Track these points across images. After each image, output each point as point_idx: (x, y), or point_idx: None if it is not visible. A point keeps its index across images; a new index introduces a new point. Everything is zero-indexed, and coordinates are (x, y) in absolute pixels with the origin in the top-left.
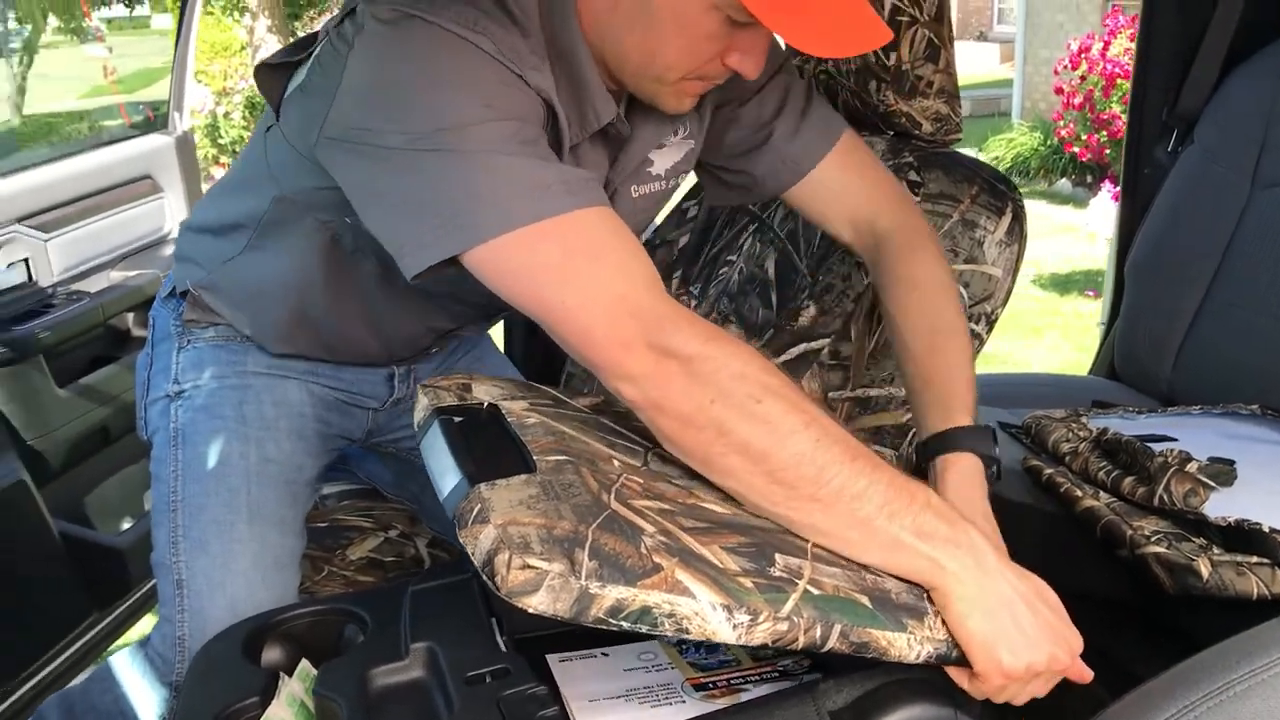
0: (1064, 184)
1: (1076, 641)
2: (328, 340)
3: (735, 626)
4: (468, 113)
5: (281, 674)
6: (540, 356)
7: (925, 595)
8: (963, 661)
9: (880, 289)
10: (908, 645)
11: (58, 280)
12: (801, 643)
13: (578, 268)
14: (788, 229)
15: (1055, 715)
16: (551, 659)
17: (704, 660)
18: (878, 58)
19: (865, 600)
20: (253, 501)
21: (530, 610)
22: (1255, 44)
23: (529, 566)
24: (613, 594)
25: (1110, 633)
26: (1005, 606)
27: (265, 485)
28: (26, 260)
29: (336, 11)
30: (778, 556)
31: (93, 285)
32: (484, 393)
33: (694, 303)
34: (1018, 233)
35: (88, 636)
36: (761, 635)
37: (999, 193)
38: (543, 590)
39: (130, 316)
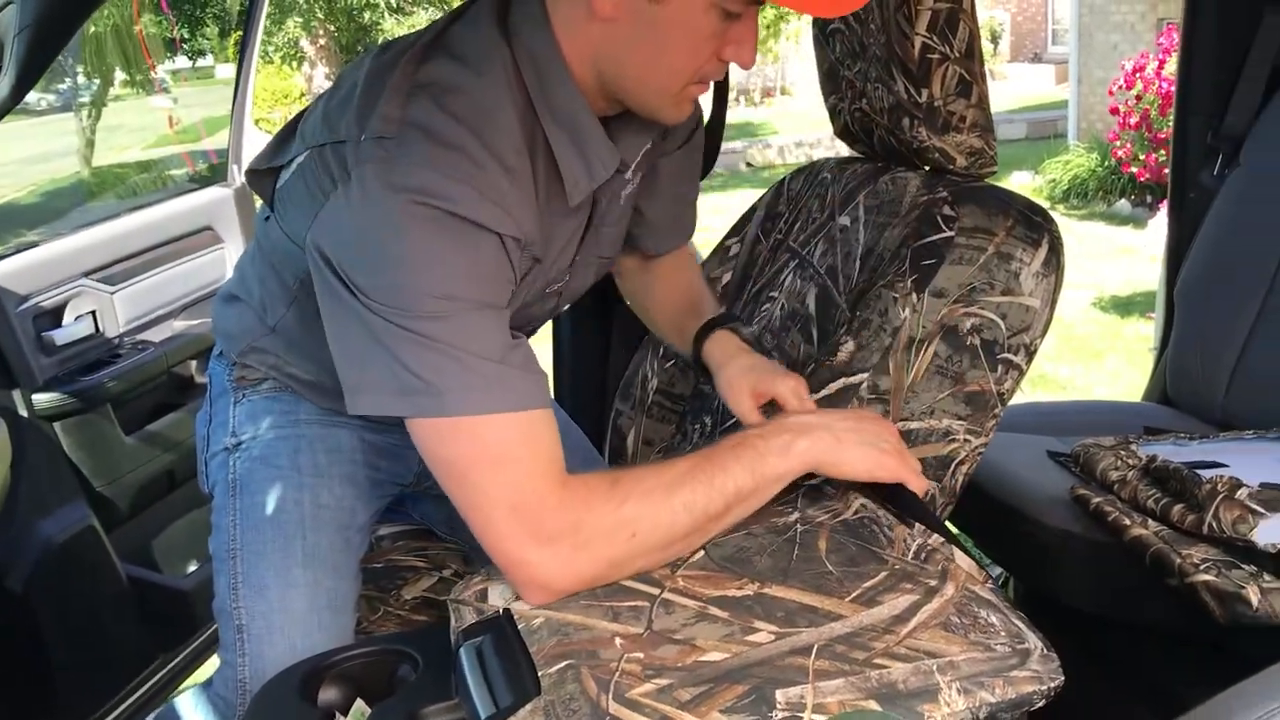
0: (1123, 205)
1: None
2: None
3: None
4: (430, 302)
5: (337, 713)
6: (586, 376)
7: (934, 669)
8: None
9: (648, 275)
10: None
11: (123, 330)
12: None
13: (481, 471)
14: (827, 264)
15: None
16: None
17: None
18: (909, 95)
19: (873, 704)
20: (308, 547)
21: None
22: None
23: None
24: None
25: (1161, 659)
26: (857, 437)
27: (320, 531)
28: (94, 313)
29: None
30: (779, 694)
31: (157, 335)
32: (499, 596)
33: None
34: (1055, 263)
35: (155, 678)
36: None
37: (1034, 224)
38: None
39: (193, 364)
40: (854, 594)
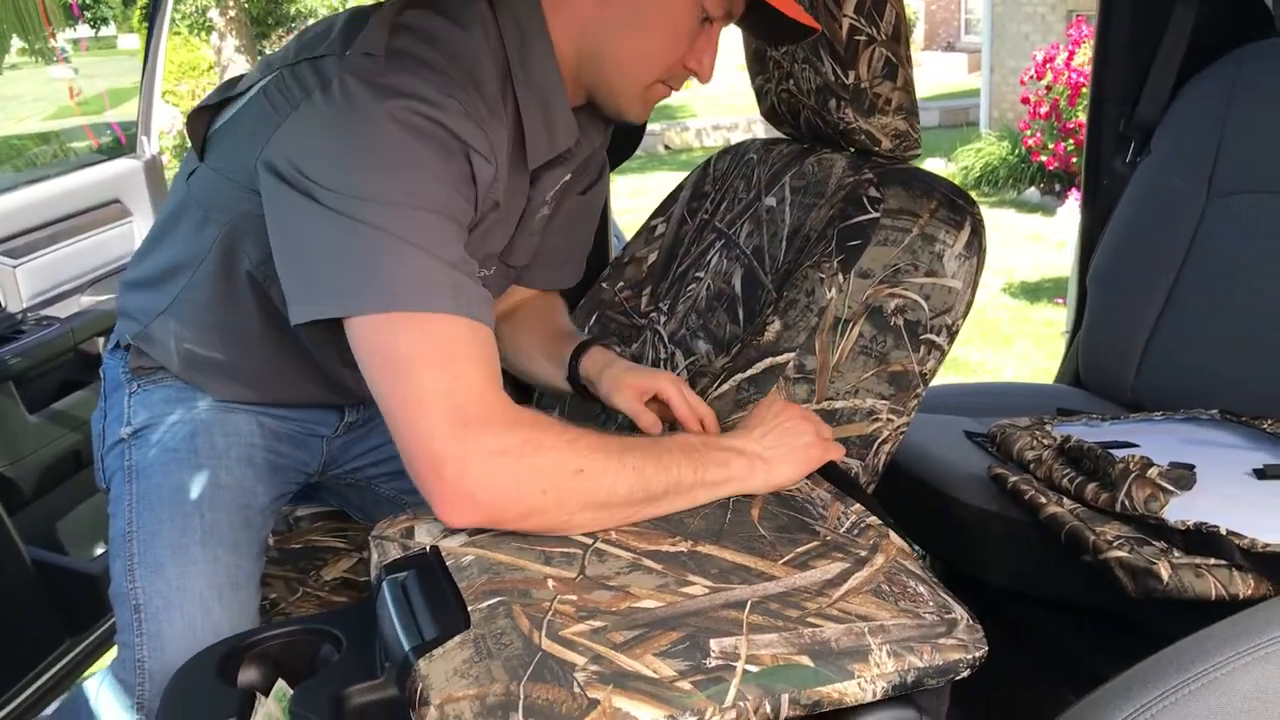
0: (1032, 192)
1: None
2: (267, 387)
3: None
4: (396, 195)
5: (258, 695)
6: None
7: (865, 631)
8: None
9: (515, 316)
10: (859, 688)
11: (27, 306)
12: None
13: (427, 367)
14: (753, 245)
15: (1020, 714)
16: None
17: None
18: (837, 76)
19: (806, 660)
20: (206, 525)
21: None
22: (1209, 55)
23: None
24: None
25: (1077, 635)
26: (783, 450)
27: (218, 510)
28: None
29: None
30: (713, 643)
31: (63, 310)
32: (425, 533)
33: (664, 319)
34: (976, 246)
35: (62, 663)
36: None
37: (957, 207)
38: None
39: (100, 341)
40: (786, 558)
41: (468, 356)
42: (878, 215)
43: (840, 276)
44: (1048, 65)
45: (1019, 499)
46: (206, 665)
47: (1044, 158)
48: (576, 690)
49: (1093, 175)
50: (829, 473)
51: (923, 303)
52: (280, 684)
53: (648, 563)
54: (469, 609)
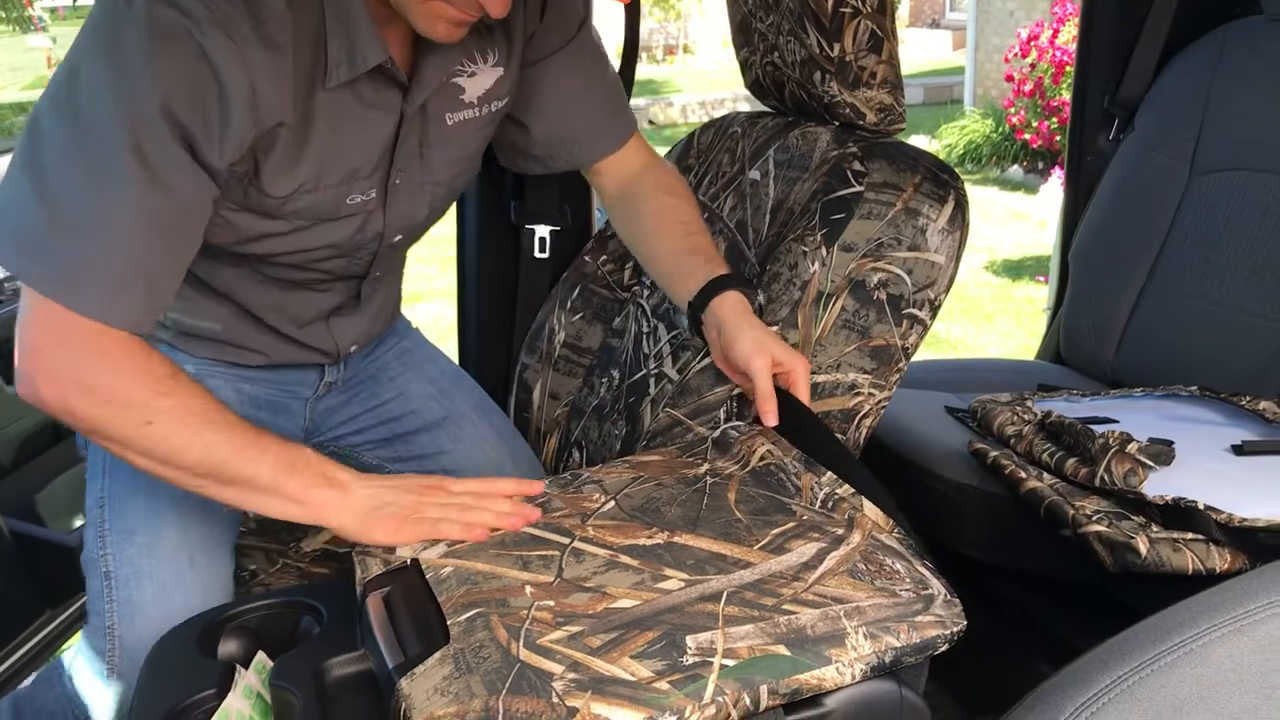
0: (1015, 170)
1: (409, 500)
2: (233, 348)
3: None
4: (112, 124)
5: (238, 666)
6: (491, 329)
7: (841, 615)
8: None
9: (633, 203)
10: (838, 673)
11: (4, 275)
12: (735, 716)
13: (59, 331)
14: (736, 219)
15: (998, 686)
16: None
17: None
18: (822, 49)
19: (782, 649)
20: (177, 491)
21: None
22: (1194, 32)
23: None
24: None
25: (1055, 609)
26: (380, 513)
27: None
28: None
29: None
30: (689, 640)
31: None
32: (405, 546)
33: (646, 292)
34: (960, 221)
35: (41, 634)
36: None
37: (941, 181)
38: None
39: None
40: (762, 542)
41: (97, 346)
42: (861, 189)
43: (823, 250)
44: (1032, 43)
45: (999, 474)
46: (186, 638)
47: (1028, 135)
48: (555, 700)
49: (1076, 152)
50: (815, 437)
51: (905, 277)
52: (260, 656)
53: (624, 559)
54: (448, 622)
